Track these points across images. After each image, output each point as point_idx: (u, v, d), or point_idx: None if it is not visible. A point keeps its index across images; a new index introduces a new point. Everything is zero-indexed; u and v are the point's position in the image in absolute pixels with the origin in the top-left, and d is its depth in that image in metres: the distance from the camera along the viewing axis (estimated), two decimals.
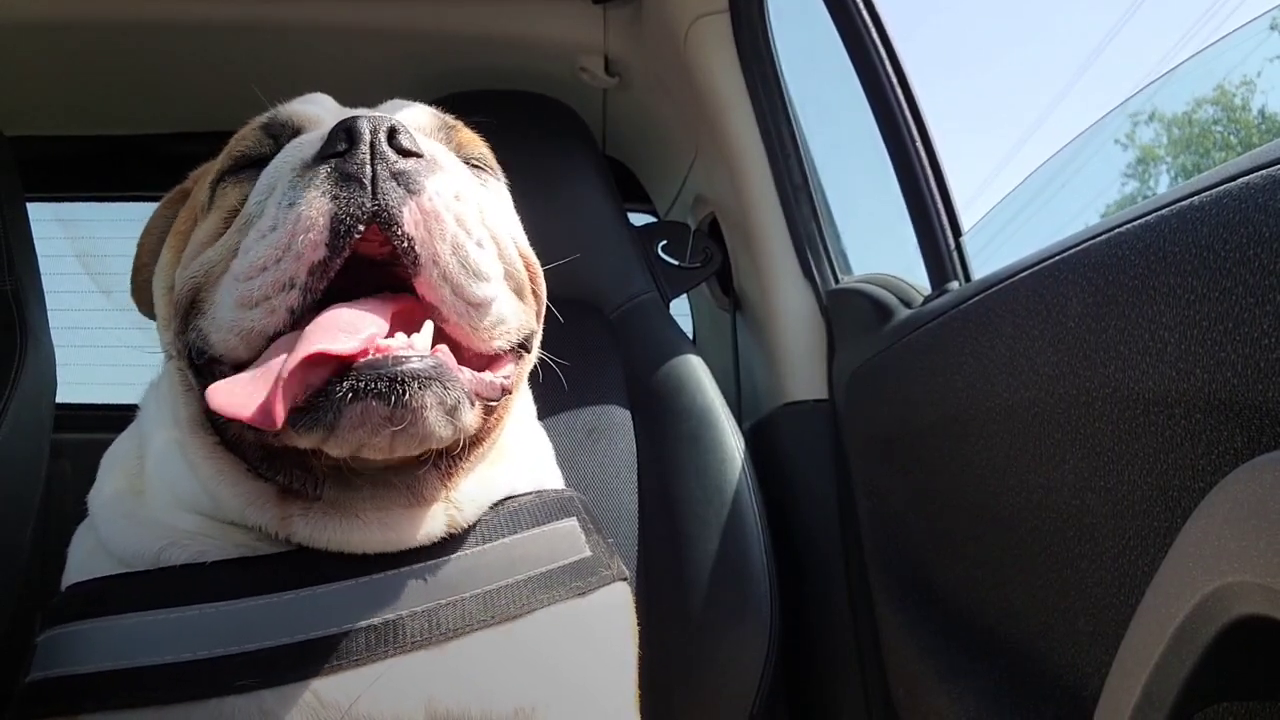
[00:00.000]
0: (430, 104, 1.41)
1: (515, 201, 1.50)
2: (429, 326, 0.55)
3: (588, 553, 0.70)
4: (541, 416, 1.17)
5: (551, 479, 0.79)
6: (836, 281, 1.24)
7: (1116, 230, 0.59)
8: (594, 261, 1.33)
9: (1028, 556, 0.71)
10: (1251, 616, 0.38)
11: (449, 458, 0.61)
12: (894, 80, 1.06)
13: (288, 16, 1.39)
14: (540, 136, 1.36)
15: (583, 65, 1.49)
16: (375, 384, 0.50)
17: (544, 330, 1.28)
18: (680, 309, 1.76)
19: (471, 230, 0.57)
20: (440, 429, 0.53)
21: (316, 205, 0.53)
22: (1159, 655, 0.43)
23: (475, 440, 0.63)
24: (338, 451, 0.55)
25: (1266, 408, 0.46)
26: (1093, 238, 0.62)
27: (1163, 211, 0.55)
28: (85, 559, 0.64)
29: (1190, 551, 0.42)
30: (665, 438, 1.14)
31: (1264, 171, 0.48)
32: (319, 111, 0.68)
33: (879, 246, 1.39)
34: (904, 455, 0.94)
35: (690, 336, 1.43)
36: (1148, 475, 0.56)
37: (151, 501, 0.64)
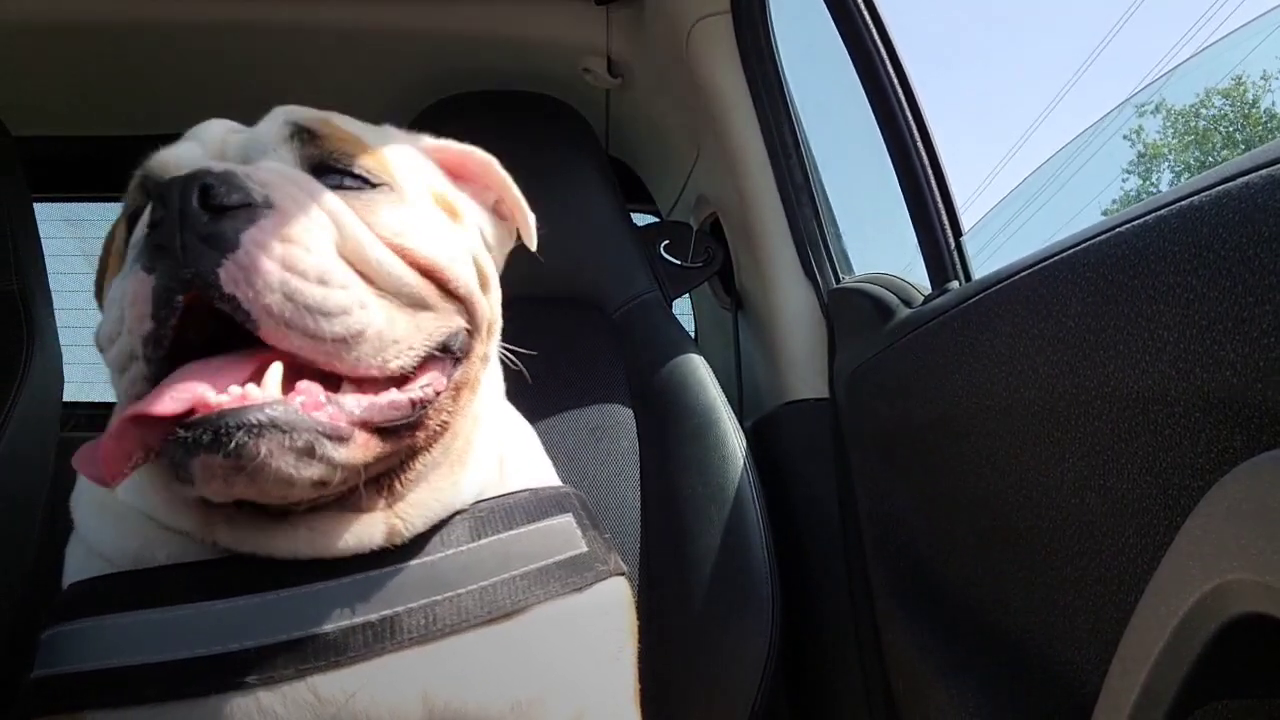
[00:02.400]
0: (431, 104, 1.42)
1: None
2: (274, 372, 0.54)
3: (584, 548, 0.71)
4: (544, 415, 1.18)
5: (545, 476, 0.79)
6: (838, 281, 1.24)
7: (1116, 230, 0.59)
8: (597, 261, 1.33)
9: (1027, 554, 0.72)
10: (1250, 614, 0.38)
11: (386, 475, 0.61)
12: (895, 80, 1.07)
13: (293, 17, 1.40)
14: (543, 137, 1.37)
15: (586, 66, 1.50)
16: (201, 438, 0.50)
17: (545, 328, 1.29)
18: (682, 308, 1.77)
19: (308, 270, 0.54)
20: (301, 471, 0.52)
21: (139, 279, 0.54)
22: (1158, 652, 0.43)
23: (415, 451, 0.62)
24: (218, 498, 0.55)
25: (1265, 407, 0.46)
26: (1092, 237, 0.62)
27: (1162, 211, 0.55)
28: (83, 561, 0.65)
29: (1189, 549, 0.43)
30: (667, 436, 1.15)
31: (1264, 171, 0.48)
32: (186, 158, 0.65)
33: (880, 245, 1.39)
34: (904, 453, 0.95)
35: (692, 335, 1.44)
36: (1147, 474, 0.56)
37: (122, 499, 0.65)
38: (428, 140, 0.78)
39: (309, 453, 0.52)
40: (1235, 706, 0.43)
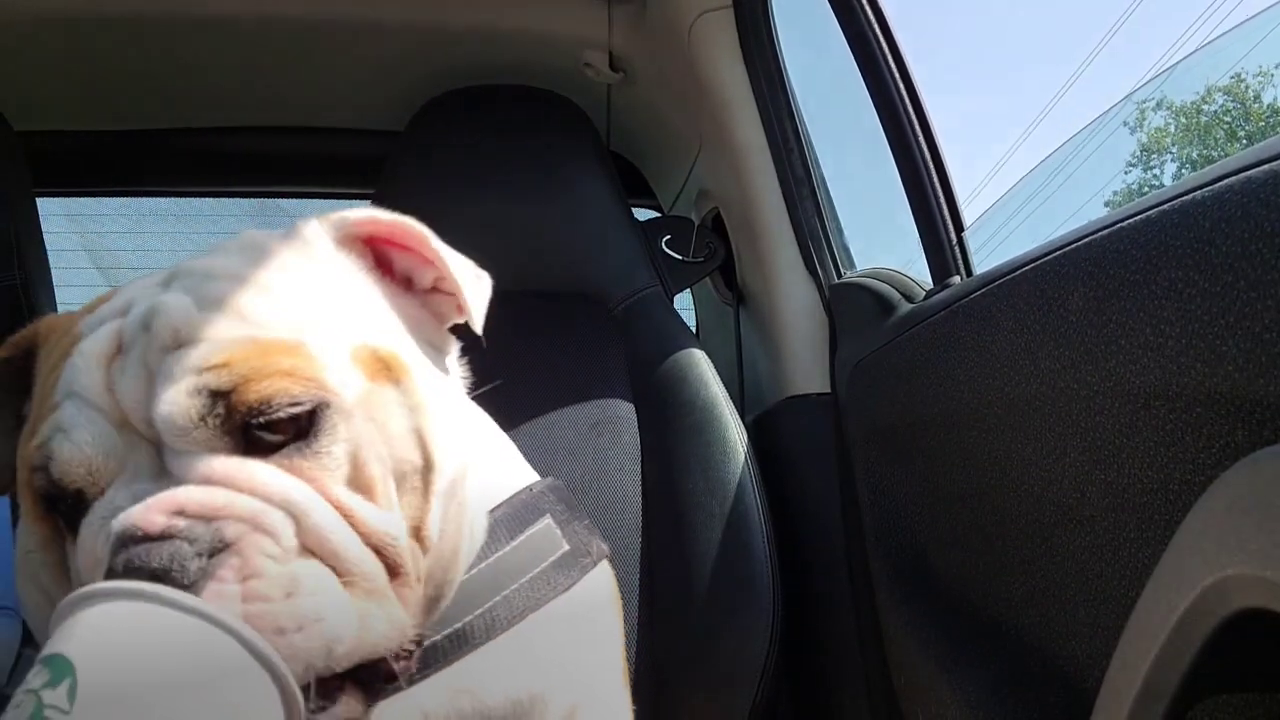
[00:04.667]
0: (432, 98, 1.42)
1: (518, 198, 1.50)
2: None
3: (566, 546, 0.71)
4: (545, 410, 1.18)
5: (502, 470, 0.75)
6: (839, 276, 1.24)
7: (1117, 225, 0.59)
8: (598, 256, 1.33)
9: (1028, 549, 0.72)
10: (1251, 609, 0.39)
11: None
12: (896, 74, 1.06)
13: (294, 13, 1.39)
14: (544, 132, 1.37)
15: (587, 60, 1.50)
16: None
17: (546, 323, 1.29)
18: (683, 303, 1.77)
19: (272, 592, 0.48)
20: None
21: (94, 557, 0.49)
22: (1159, 647, 0.43)
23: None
24: None
25: (1267, 402, 0.46)
26: (1094, 232, 0.62)
27: (1164, 206, 0.55)
28: None
29: (1190, 544, 0.43)
30: (669, 431, 1.15)
31: (1266, 166, 0.48)
32: (92, 459, 0.50)
33: (881, 240, 1.39)
34: (905, 448, 0.95)
35: (693, 331, 1.44)
36: (1148, 469, 0.56)
37: None
38: (354, 216, 0.63)
39: None
40: (1236, 701, 0.43)
